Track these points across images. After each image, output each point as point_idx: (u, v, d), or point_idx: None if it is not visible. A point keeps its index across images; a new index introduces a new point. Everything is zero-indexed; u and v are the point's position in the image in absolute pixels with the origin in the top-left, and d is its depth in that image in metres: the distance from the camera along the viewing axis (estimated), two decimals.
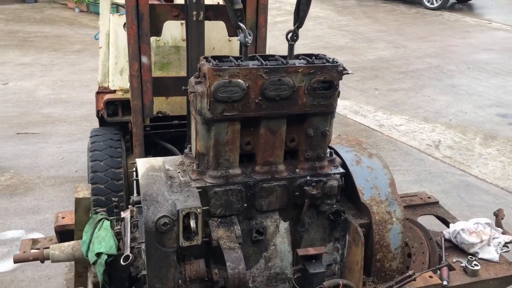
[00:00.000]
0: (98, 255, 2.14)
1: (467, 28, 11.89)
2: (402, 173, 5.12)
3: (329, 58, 2.17)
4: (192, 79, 2.20)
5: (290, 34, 2.16)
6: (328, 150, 2.43)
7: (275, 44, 9.72)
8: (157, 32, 3.25)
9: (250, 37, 2.06)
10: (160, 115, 3.68)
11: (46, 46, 9.37)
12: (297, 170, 2.29)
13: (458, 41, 10.61)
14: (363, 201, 2.41)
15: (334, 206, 2.36)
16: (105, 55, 3.56)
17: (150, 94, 3.12)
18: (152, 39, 3.69)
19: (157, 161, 2.25)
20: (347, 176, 2.46)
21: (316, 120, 2.21)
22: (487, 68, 8.75)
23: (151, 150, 3.83)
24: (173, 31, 3.64)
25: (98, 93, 3.51)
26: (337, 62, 2.14)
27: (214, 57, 2.09)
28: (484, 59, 9.30)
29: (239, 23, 2.06)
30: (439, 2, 13.86)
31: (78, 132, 5.59)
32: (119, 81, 3.53)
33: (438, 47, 10.16)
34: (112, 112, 3.38)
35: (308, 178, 2.29)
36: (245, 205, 2.25)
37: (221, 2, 3.48)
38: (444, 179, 5.00)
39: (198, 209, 2.01)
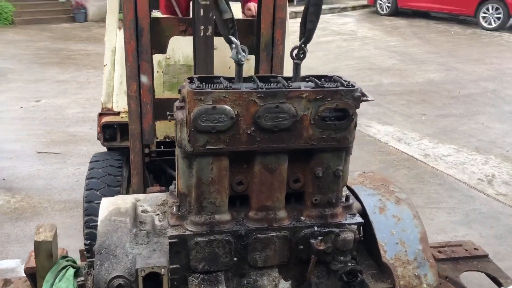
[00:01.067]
0: None
1: None
2: (448, 211, 4.49)
3: (345, 81, 1.72)
4: (177, 103, 1.81)
5: (295, 51, 1.74)
6: (345, 192, 1.97)
7: (317, 65, 9.33)
8: (162, 48, 2.91)
9: (244, 54, 1.65)
10: (168, 140, 3.34)
11: (86, 64, 9.40)
12: (302, 218, 1.85)
13: None
14: (385, 260, 1.94)
15: (349, 264, 1.90)
16: (110, 74, 3.27)
17: (150, 118, 2.76)
18: (162, 57, 3.37)
19: (127, 202, 1.87)
20: (367, 225, 2.00)
21: (326, 157, 1.75)
22: None
23: (161, 177, 3.49)
24: (185, 48, 3.31)
25: (100, 114, 3.20)
26: (353, 86, 1.69)
27: (202, 78, 1.70)
28: None
29: (231, 36, 1.66)
30: (498, 23, 12.99)
31: None
32: (124, 102, 3.21)
33: (495, 70, 9.37)
34: (110, 136, 3.06)
35: (316, 228, 1.84)
36: (235, 259, 1.84)
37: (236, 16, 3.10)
38: (497, 221, 4.33)
39: (163, 269, 1.60)
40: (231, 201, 1.80)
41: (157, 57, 3.27)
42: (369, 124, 6.63)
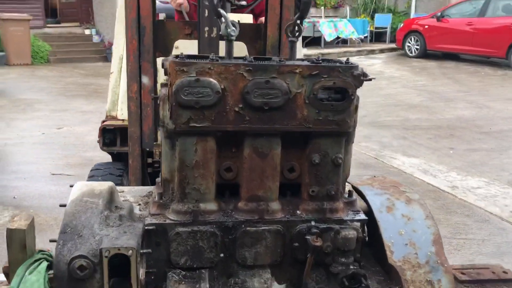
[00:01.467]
0: None
1: None
2: (477, 243, 4.13)
3: (344, 61, 1.56)
4: (161, 81, 1.68)
5: (290, 28, 1.60)
6: (348, 188, 1.76)
7: None
8: (166, 51, 2.83)
9: (233, 29, 1.52)
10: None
11: None
12: (298, 211, 1.64)
13: None
14: (392, 262, 1.70)
15: (351, 267, 1.67)
16: (116, 82, 3.20)
17: (150, 121, 2.64)
18: None
19: (103, 185, 1.71)
20: (373, 225, 1.77)
21: (324, 143, 1.56)
22: None
23: None
24: (192, 52, 3.24)
25: (103, 122, 3.11)
26: (352, 64, 1.53)
27: (190, 56, 1.57)
28: None
29: (220, 10, 1.54)
30: None
31: None
32: None
33: None
34: (110, 141, 2.95)
35: (313, 223, 1.63)
36: (222, 255, 1.63)
37: (242, 20, 3.01)
38: None
39: (130, 251, 1.41)
40: (220, 192, 1.62)
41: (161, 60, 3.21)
42: (394, 156, 6.37)
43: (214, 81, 1.45)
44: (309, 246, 1.60)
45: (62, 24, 17.17)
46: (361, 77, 1.49)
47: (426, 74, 12.72)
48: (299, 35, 1.64)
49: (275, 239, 1.63)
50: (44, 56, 14.22)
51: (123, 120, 3.07)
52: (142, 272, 1.50)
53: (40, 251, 1.94)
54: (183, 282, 1.60)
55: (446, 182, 5.55)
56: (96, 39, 16.01)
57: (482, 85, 11.22)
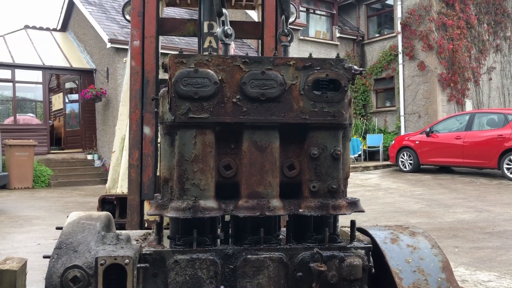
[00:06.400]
0: None
1: None
2: None
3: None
4: (161, 79, 1.77)
5: (279, 31, 1.73)
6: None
7: None
8: None
9: (230, 34, 1.65)
10: None
11: None
12: (300, 210, 1.61)
13: None
14: None
15: None
16: (118, 160, 3.27)
17: (150, 171, 2.65)
18: None
19: (100, 213, 1.69)
20: (379, 257, 1.73)
21: (322, 136, 1.60)
22: None
23: None
24: None
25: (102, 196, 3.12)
26: (343, 58, 1.64)
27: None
28: None
29: (223, 9, 1.66)
30: None
31: None
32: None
33: None
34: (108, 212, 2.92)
35: (315, 250, 1.59)
36: (222, 287, 1.57)
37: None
38: None
39: (127, 260, 1.36)
40: (220, 194, 1.60)
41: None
42: None
43: (212, 72, 1.53)
44: (314, 274, 1.55)
45: (65, 150, 17.72)
46: (352, 70, 1.58)
47: (422, 185, 12.87)
48: (291, 40, 1.76)
49: (278, 268, 1.58)
50: (45, 180, 14.43)
51: (122, 191, 3.07)
52: None
53: None
54: None
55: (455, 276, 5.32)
56: (97, 163, 16.41)
57: (479, 193, 11.29)
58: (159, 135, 2.73)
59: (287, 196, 1.62)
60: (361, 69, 1.62)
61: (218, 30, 1.64)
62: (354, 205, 1.64)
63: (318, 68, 1.58)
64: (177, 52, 1.56)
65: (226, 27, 1.62)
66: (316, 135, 1.59)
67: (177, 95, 1.51)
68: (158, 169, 1.80)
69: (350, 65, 1.60)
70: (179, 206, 1.51)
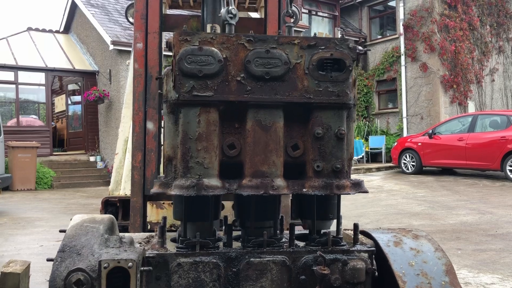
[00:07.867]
0: None
1: None
2: None
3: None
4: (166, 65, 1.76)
5: (283, 12, 1.74)
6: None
7: (343, 211, 9.16)
8: None
9: (234, 14, 1.64)
10: (173, 228, 3.16)
11: None
12: (304, 189, 1.60)
13: None
14: None
15: None
16: (120, 162, 3.28)
17: (154, 166, 2.65)
18: None
19: (104, 216, 1.70)
20: (382, 260, 1.72)
21: (326, 116, 1.59)
22: None
23: None
24: None
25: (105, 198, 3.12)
26: (348, 37, 1.64)
27: None
28: None
29: None
30: None
31: None
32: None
33: None
34: (111, 214, 2.92)
35: (318, 253, 1.59)
36: None
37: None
38: None
39: (130, 263, 1.37)
40: (223, 175, 1.59)
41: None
42: None
43: (216, 50, 1.52)
44: (317, 277, 1.55)
45: (68, 152, 17.76)
46: (356, 50, 1.58)
47: (424, 187, 12.85)
48: (296, 22, 1.75)
49: (281, 271, 1.58)
50: (48, 181, 14.46)
51: (125, 193, 3.08)
52: None
53: None
54: None
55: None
56: (100, 165, 16.44)
57: (481, 195, 11.27)
58: (161, 132, 2.73)
59: (291, 177, 1.62)
60: (365, 49, 1.62)
61: (222, 10, 1.64)
62: (358, 185, 1.64)
63: (323, 47, 1.57)
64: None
65: (230, 7, 1.63)
66: (320, 114, 1.58)
67: (181, 73, 1.50)
68: (162, 152, 1.79)
69: (355, 44, 1.60)
70: (183, 184, 1.50)
